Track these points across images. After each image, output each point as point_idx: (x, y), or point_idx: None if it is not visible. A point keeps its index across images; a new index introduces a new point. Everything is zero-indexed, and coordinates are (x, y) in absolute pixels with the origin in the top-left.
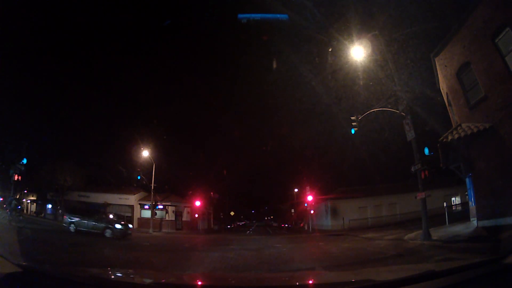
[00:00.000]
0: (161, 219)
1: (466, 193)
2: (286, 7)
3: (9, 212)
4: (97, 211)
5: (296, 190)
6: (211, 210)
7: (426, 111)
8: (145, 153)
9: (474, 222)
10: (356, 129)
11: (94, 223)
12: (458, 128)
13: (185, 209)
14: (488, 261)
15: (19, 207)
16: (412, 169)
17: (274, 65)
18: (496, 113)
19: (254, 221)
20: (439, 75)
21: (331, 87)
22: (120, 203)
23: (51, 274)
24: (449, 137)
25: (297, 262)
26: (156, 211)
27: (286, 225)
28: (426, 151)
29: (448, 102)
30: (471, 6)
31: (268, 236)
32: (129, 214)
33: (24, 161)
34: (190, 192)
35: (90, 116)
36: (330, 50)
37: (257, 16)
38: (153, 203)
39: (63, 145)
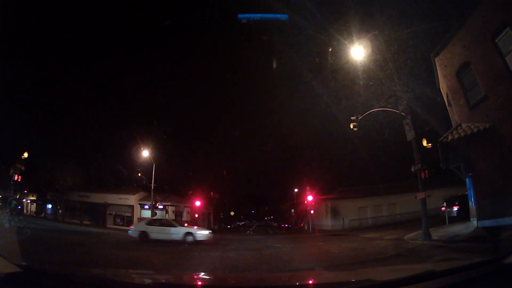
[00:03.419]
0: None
1: (466, 193)
2: (286, 7)
3: (9, 212)
4: None
5: (296, 190)
6: (211, 210)
7: (426, 111)
8: (145, 153)
9: (474, 222)
10: (356, 129)
11: None
12: (458, 128)
13: (185, 209)
14: (488, 261)
15: (19, 207)
16: (412, 169)
17: (274, 65)
18: (496, 113)
19: (254, 221)
20: (439, 75)
21: (331, 87)
22: (120, 203)
23: (51, 274)
24: (449, 137)
25: (297, 262)
26: (156, 211)
27: (286, 225)
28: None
29: (448, 102)
30: (471, 6)
31: (268, 236)
32: (129, 214)
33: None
34: (190, 192)
35: (90, 116)
36: (330, 50)
37: (257, 16)
38: (153, 203)
39: (63, 145)
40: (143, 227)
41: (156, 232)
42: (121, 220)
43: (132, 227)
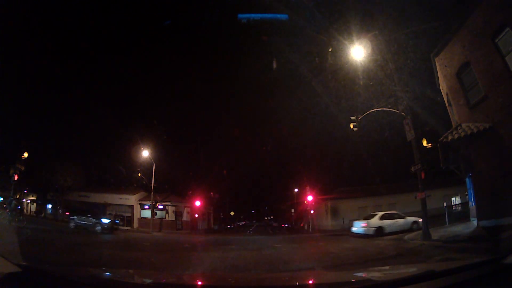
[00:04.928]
0: (161, 219)
1: (466, 193)
2: (286, 7)
3: (9, 212)
4: None
5: (296, 190)
6: (211, 210)
7: (426, 111)
8: (145, 153)
9: (474, 222)
10: (356, 129)
11: None
12: (458, 128)
13: (185, 209)
14: (488, 261)
15: (19, 207)
16: (412, 169)
17: (274, 65)
18: (496, 113)
19: (254, 221)
20: (439, 75)
21: (331, 87)
22: (120, 203)
23: (51, 274)
24: (449, 137)
25: (297, 262)
26: (156, 211)
27: (286, 225)
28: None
29: (448, 102)
30: (471, 6)
31: (268, 236)
32: (129, 214)
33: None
34: (190, 192)
35: (90, 116)
36: (330, 50)
37: (257, 16)
38: (153, 203)
39: (63, 145)
40: (377, 223)
41: (391, 226)
42: (121, 220)
43: (364, 224)
